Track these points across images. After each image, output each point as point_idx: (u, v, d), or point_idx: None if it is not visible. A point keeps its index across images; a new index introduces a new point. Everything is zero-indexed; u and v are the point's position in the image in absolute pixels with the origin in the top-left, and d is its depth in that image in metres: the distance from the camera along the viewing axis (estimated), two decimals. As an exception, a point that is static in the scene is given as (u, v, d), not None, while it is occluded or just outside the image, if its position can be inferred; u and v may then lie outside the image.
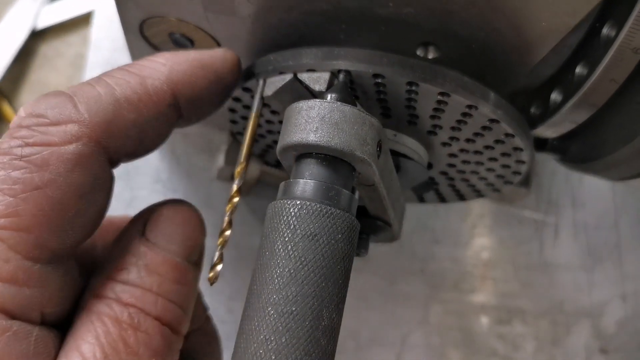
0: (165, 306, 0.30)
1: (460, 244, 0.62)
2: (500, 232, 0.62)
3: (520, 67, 0.34)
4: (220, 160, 0.51)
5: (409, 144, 0.38)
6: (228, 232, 0.33)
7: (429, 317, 0.60)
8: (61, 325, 0.29)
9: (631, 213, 0.63)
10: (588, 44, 0.33)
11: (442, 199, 0.48)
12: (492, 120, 0.33)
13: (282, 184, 0.30)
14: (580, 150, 0.39)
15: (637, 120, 0.33)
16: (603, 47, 0.31)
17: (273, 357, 0.26)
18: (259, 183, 0.54)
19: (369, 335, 0.59)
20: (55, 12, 0.65)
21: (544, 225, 0.63)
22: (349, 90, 0.32)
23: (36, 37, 0.65)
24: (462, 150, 0.38)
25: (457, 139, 0.37)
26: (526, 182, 0.46)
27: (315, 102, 0.29)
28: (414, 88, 0.32)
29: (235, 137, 0.51)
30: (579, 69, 0.33)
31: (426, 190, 0.44)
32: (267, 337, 0.26)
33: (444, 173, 0.42)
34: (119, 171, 0.31)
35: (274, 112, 0.37)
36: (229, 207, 0.33)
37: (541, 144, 0.42)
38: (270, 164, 0.48)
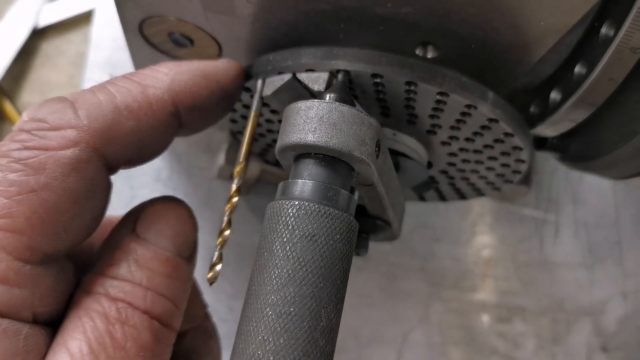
0: (154, 300, 0.30)
1: (461, 242, 0.62)
2: (501, 230, 0.62)
3: (519, 66, 0.34)
4: (221, 159, 0.50)
5: (409, 143, 0.38)
6: (227, 232, 0.33)
7: (429, 315, 0.60)
8: (54, 323, 0.29)
9: (632, 211, 0.63)
10: (587, 43, 0.33)
11: (442, 198, 0.48)
12: (491, 120, 0.33)
13: (280, 184, 0.30)
14: (579, 148, 0.39)
15: (635, 119, 0.33)
16: (602, 46, 0.31)
17: (271, 358, 0.26)
18: (260, 181, 0.54)
19: (370, 333, 0.59)
20: (56, 10, 0.65)
21: (544, 223, 0.63)
22: (348, 90, 0.32)
23: (37, 36, 0.65)
24: (461, 150, 0.38)
25: (457, 138, 0.37)
26: (526, 180, 0.46)
27: (313, 102, 0.29)
28: (412, 88, 0.32)
29: (235, 137, 0.51)
30: (577, 68, 0.33)
31: (426, 189, 0.44)
32: (265, 338, 0.26)
33: (443, 172, 0.42)
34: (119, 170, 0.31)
35: (273, 112, 0.37)
36: (228, 207, 0.33)
37: (541, 143, 0.41)
38: (271, 162, 0.48)
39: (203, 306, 0.38)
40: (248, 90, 0.36)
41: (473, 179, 0.42)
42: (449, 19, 0.31)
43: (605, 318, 0.61)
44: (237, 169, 0.34)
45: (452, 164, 0.41)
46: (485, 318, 0.61)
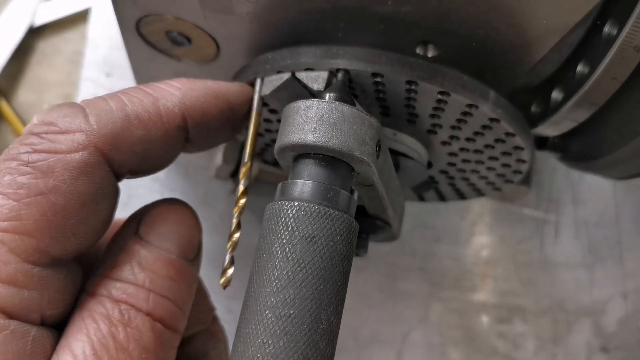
0: (157, 302, 0.30)
1: (461, 242, 0.61)
2: (501, 230, 0.62)
3: (520, 65, 0.34)
4: (218, 158, 0.50)
5: (409, 143, 0.37)
6: (237, 235, 0.33)
7: (429, 315, 0.60)
8: (61, 325, 0.29)
9: (632, 210, 0.63)
10: (589, 42, 0.33)
11: (442, 198, 0.48)
12: (492, 120, 0.33)
13: (280, 185, 0.30)
14: (580, 148, 0.39)
15: (637, 118, 0.33)
16: (604, 45, 0.31)
17: (271, 361, 0.25)
18: (258, 181, 0.54)
19: (370, 333, 0.59)
20: (53, 9, 0.65)
21: (544, 223, 0.62)
22: (348, 89, 0.32)
23: (34, 34, 0.65)
24: (462, 149, 0.38)
25: (457, 138, 0.36)
26: (526, 180, 0.46)
27: (313, 102, 0.29)
28: (413, 87, 0.32)
29: (234, 136, 0.50)
30: (579, 68, 0.33)
31: (426, 189, 0.44)
32: (264, 340, 0.26)
33: (443, 172, 0.42)
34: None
35: (272, 111, 0.37)
36: (236, 209, 0.33)
37: (541, 142, 0.41)
38: (269, 162, 0.47)
39: (211, 309, 0.38)
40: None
41: (473, 179, 0.42)
42: (449, 18, 0.31)
43: (606, 318, 0.61)
44: (243, 169, 0.34)
45: (452, 164, 0.40)
46: (485, 318, 0.60)
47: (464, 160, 0.39)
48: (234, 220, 0.33)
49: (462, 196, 0.47)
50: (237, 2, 0.33)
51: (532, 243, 0.62)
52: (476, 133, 0.35)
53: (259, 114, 0.34)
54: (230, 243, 0.33)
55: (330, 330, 0.27)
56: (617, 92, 0.32)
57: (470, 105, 0.32)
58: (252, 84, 0.35)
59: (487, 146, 0.36)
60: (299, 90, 0.33)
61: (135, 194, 0.56)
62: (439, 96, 0.32)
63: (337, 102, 0.29)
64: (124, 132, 0.30)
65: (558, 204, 0.63)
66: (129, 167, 0.31)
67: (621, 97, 0.32)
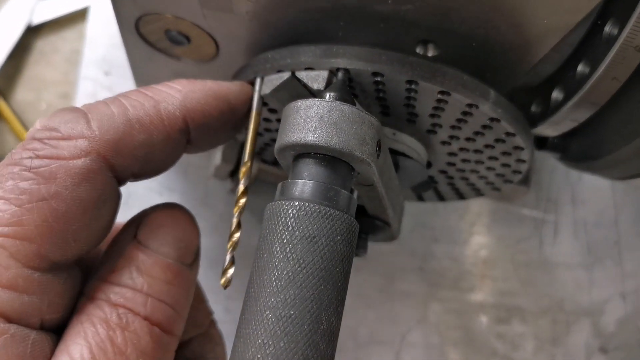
0: (155, 306, 0.30)
1: (459, 242, 0.61)
2: (500, 230, 0.62)
3: (520, 65, 0.34)
4: (217, 158, 0.50)
5: (408, 143, 0.37)
6: (237, 235, 0.33)
7: (428, 315, 0.60)
8: (60, 329, 0.29)
9: (631, 210, 0.63)
10: (589, 42, 0.33)
11: (441, 198, 0.48)
12: (492, 119, 0.33)
13: (280, 185, 0.29)
14: (580, 148, 0.39)
15: (639, 119, 0.33)
16: (605, 45, 0.31)
17: (271, 362, 0.25)
18: (256, 181, 0.54)
19: (368, 333, 0.59)
20: (51, 7, 0.65)
21: (543, 223, 0.62)
22: (348, 88, 0.32)
23: (32, 33, 0.65)
24: (461, 149, 0.38)
25: (457, 138, 0.36)
26: (525, 180, 0.46)
27: (313, 101, 0.29)
28: (413, 86, 0.32)
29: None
30: (580, 67, 0.33)
31: (425, 189, 0.43)
32: (265, 341, 0.26)
33: (443, 172, 0.42)
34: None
35: (271, 111, 0.36)
36: (236, 209, 0.33)
37: (541, 142, 0.41)
38: (268, 162, 0.47)
39: (209, 313, 0.38)
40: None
41: (473, 179, 0.42)
42: (450, 17, 0.31)
43: (605, 319, 0.61)
44: (243, 169, 0.34)
45: (451, 164, 0.40)
46: (483, 319, 0.60)
47: (464, 160, 0.39)
48: (234, 220, 0.33)
49: (461, 196, 0.46)
50: (236, 1, 0.33)
51: (531, 243, 0.62)
52: (476, 133, 0.35)
53: (258, 114, 0.34)
54: (230, 243, 0.33)
55: (330, 331, 0.27)
56: (617, 92, 0.32)
57: (470, 105, 0.32)
58: (252, 83, 0.35)
59: (487, 146, 0.36)
60: (299, 90, 0.33)
61: (134, 193, 0.56)
62: (439, 96, 0.32)
63: (337, 102, 0.29)
64: (126, 137, 0.30)
65: (557, 204, 0.63)
66: (132, 171, 0.31)
67: (622, 97, 0.32)
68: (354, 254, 0.30)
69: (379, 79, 0.32)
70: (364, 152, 0.29)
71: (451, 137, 0.36)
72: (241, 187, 0.33)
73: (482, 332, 0.60)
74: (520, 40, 0.32)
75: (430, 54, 0.33)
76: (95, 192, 0.29)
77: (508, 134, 0.34)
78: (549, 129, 0.37)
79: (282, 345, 0.25)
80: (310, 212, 0.27)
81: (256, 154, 0.46)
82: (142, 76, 0.46)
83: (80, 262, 0.31)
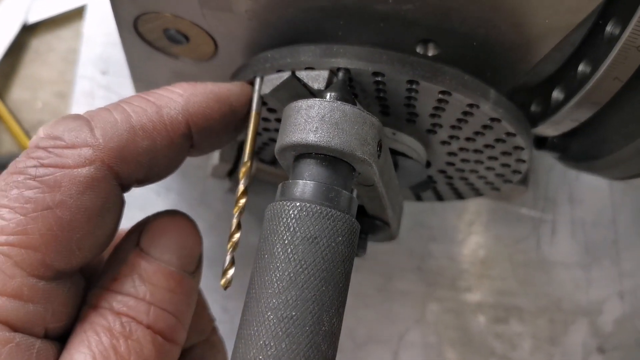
0: (157, 315, 0.30)
1: (457, 242, 0.61)
2: (497, 230, 0.62)
3: (521, 65, 0.33)
4: (215, 157, 0.50)
5: (408, 143, 0.37)
6: (237, 235, 0.33)
7: (426, 315, 0.60)
8: (64, 337, 0.29)
9: (629, 210, 0.63)
10: (591, 42, 0.33)
11: (439, 198, 0.48)
12: (493, 119, 0.33)
13: (280, 185, 0.29)
14: (580, 148, 0.39)
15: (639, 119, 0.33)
16: (607, 44, 0.30)
17: (273, 364, 0.25)
18: (254, 180, 0.54)
19: (366, 333, 0.59)
20: (47, 6, 0.64)
21: (541, 223, 0.62)
22: (349, 88, 0.32)
23: (27, 32, 0.64)
24: (461, 149, 0.38)
25: (457, 138, 0.36)
26: (524, 179, 0.46)
27: (314, 101, 0.29)
28: (414, 86, 0.32)
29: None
30: (581, 67, 0.32)
31: (424, 189, 0.43)
32: (266, 342, 0.25)
33: (442, 171, 0.42)
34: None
35: (270, 110, 0.36)
36: (236, 209, 0.33)
37: (540, 142, 0.41)
38: (266, 161, 0.47)
39: (210, 320, 0.38)
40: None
41: (472, 178, 0.42)
42: (450, 16, 0.31)
43: (602, 318, 0.61)
44: (243, 169, 0.34)
45: (451, 164, 0.40)
46: (481, 318, 0.60)
47: (463, 160, 0.39)
48: (234, 221, 0.33)
49: (460, 196, 0.46)
50: (236, 0, 0.33)
51: (529, 243, 0.62)
52: (476, 133, 0.35)
53: (258, 113, 0.34)
54: (230, 243, 0.32)
55: (331, 332, 0.27)
56: (618, 92, 0.32)
57: (471, 105, 0.32)
58: (251, 83, 0.35)
59: (487, 146, 0.36)
60: (299, 90, 0.33)
61: (132, 192, 0.56)
62: (440, 95, 0.32)
63: (338, 102, 0.29)
64: (130, 144, 0.30)
65: (555, 204, 0.63)
66: (136, 177, 0.31)
67: (623, 97, 0.32)
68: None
69: (379, 78, 0.32)
70: (365, 152, 0.29)
71: (451, 137, 0.36)
72: (241, 187, 0.33)
73: (480, 331, 0.60)
74: (521, 40, 0.32)
75: (430, 53, 0.33)
76: (99, 200, 0.29)
77: (508, 134, 0.34)
78: (549, 129, 0.37)
79: (283, 346, 0.25)
80: (311, 213, 0.27)
81: (255, 153, 0.46)
82: (140, 75, 0.46)
83: (83, 270, 0.31)
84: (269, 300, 0.26)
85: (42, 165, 0.28)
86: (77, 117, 0.30)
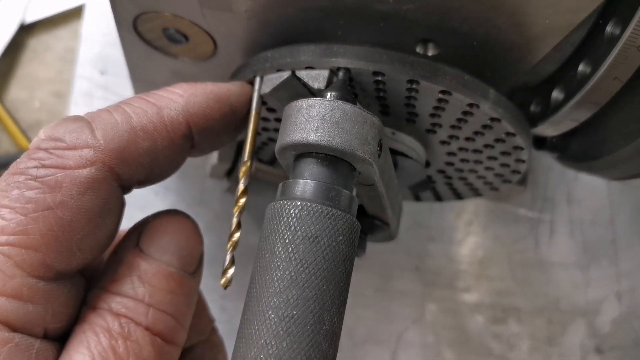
0: (156, 316, 0.30)
1: (456, 242, 0.61)
2: (496, 230, 0.62)
3: (521, 64, 0.33)
4: (214, 157, 0.50)
5: (407, 142, 0.37)
6: (237, 234, 0.33)
7: (424, 315, 0.60)
8: (64, 338, 0.29)
9: (627, 210, 0.63)
10: (591, 42, 0.33)
11: (438, 198, 0.48)
12: (493, 119, 0.33)
13: (281, 184, 0.29)
14: (580, 148, 0.39)
15: (639, 119, 0.33)
16: (607, 44, 0.31)
17: (274, 362, 0.25)
18: (252, 180, 0.54)
19: (365, 332, 0.59)
20: (45, 5, 0.64)
21: (539, 223, 0.63)
22: (349, 88, 0.32)
23: (25, 31, 0.64)
24: (461, 149, 0.38)
25: (457, 138, 0.36)
26: (522, 179, 0.46)
27: (315, 101, 0.29)
28: (414, 86, 0.32)
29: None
30: (581, 67, 0.32)
31: (423, 188, 0.43)
32: (267, 341, 0.25)
33: (441, 171, 0.42)
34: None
35: (270, 110, 0.36)
36: (236, 209, 0.33)
37: (540, 142, 0.41)
38: (264, 161, 0.47)
39: (210, 320, 0.38)
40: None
41: (471, 178, 0.42)
42: (451, 16, 0.31)
43: (600, 319, 0.61)
44: (243, 168, 0.34)
45: (450, 164, 0.40)
46: (479, 318, 0.60)
47: (463, 160, 0.39)
48: (234, 220, 0.33)
49: (459, 196, 0.46)
50: (235, -1, 0.33)
51: (527, 243, 0.62)
52: (476, 132, 0.35)
53: (258, 113, 0.34)
54: (230, 243, 0.32)
55: (332, 332, 0.27)
56: (618, 92, 0.32)
57: (471, 105, 0.32)
58: (251, 83, 0.35)
59: (486, 146, 0.36)
60: (299, 89, 0.33)
61: (131, 192, 0.56)
62: (440, 95, 0.32)
63: (339, 101, 0.29)
64: (130, 145, 0.30)
65: (553, 204, 0.63)
66: (137, 178, 0.31)
67: (623, 97, 0.32)
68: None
69: (379, 78, 0.32)
70: (365, 152, 0.29)
71: (451, 136, 0.36)
72: (241, 187, 0.33)
73: (478, 331, 0.60)
74: (522, 40, 0.32)
75: (430, 53, 0.33)
76: (100, 201, 0.29)
77: (508, 133, 0.34)
78: (548, 129, 0.37)
79: (284, 345, 0.25)
80: (312, 212, 0.27)
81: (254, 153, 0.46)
82: (139, 75, 0.46)
83: (84, 271, 0.30)
84: (270, 300, 0.26)
85: (43, 166, 0.28)
86: (78, 118, 0.30)
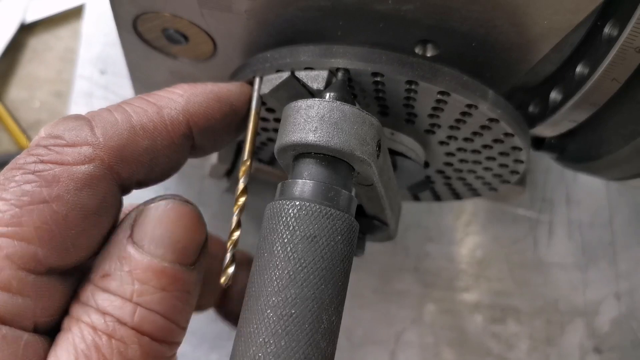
0: (144, 316, 0.29)
1: (454, 242, 0.61)
2: (495, 230, 0.62)
3: (520, 65, 0.34)
4: (213, 157, 0.50)
5: (406, 143, 0.37)
6: (237, 233, 0.33)
7: (423, 315, 0.60)
8: (54, 332, 0.29)
9: (626, 211, 0.63)
10: (589, 43, 0.33)
11: (437, 198, 0.48)
12: (491, 120, 0.33)
13: (280, 184, 0.29)
14: (578, 149, 0.39)
15: (638, 119, 0.33)
16: (605, 45, 0.31)
17: (272, 361, 0.25)
18: (251, 180, 0.54)
19: (363, 333, 0.59)
20: (45, 5, 0.64)
21: (538, 223, 0.63)
22: (348, 88, 0.32)
23: (25, 31, 0.64)
24: (459, 149, 0.38)
25: (455, 138, 0.36)
26: (521, 180, 0.46)
27: (314, 101, 0.29)
28: (413, 87, 0.32)
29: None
30: (579, 68, 0.33)
31: (422, 189, 0.43)
32: (266, 340, 0.25)
33: (440, 172, 0.42)
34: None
35: (269, 110, 0.36)
36: (236, 208, 0.33)
37: (538, 143, 0.41)
38: (264, 161, 0.47)
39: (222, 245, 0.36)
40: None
41: (470, 179, 0.42)
42: (450, 16, 0.31)
43: (599, 319, 0.61)
44: (243, 168, 0.34)
45: (449, 164, 0.40)
46: (478, 319, 0.60)
47: (461, 160, 0.39)
48: (234, 219, 0.33)
49: (457, 196, 0.46)
50: (235, -1, 0.33)
51: (526, 243, 0.62)
52: (475, 133, 0.35)
53: (257, 113, 0.34)
54: (230, 242, 0.32)
55: (331, 330, 0.27)
56: (617, 93, 0.32)
57: (470, 106, 0.32)
58: (251, 83, 0.35)
59: (485, 146, 0.36)
60: (298, 89, 0.33)
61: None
62: (439, 96, 0.32)
63: (338, 102, 0.29)
64: (130, 143, 0.30)
65: (552, 204, 0.63)
66: (136, 178, 0.31)
67: (621, 98, 0.32)
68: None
69: (378, 79, 0.32)
70: (364, 152, 0.29)
71: (449, 137, 0.36)
72: (241, 186, 0.33)
73: (476, 332, 0.60)
74: (521, 40, 0.32)
75: (429, 54, 0.33)
76: (96, 199, 0.28)
77: (507, 134, 0.34)
78: (547, 129, 0.37)
79: (283, 344, 0.25)
80: (311, 212, 0.27)
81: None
82: (139, 75, 0.46)
83: (78, 269, 0.30)
84: (269, 299, 0.26)
85: (42, 162, 0.28)
86: (78, 117, 0.30)
